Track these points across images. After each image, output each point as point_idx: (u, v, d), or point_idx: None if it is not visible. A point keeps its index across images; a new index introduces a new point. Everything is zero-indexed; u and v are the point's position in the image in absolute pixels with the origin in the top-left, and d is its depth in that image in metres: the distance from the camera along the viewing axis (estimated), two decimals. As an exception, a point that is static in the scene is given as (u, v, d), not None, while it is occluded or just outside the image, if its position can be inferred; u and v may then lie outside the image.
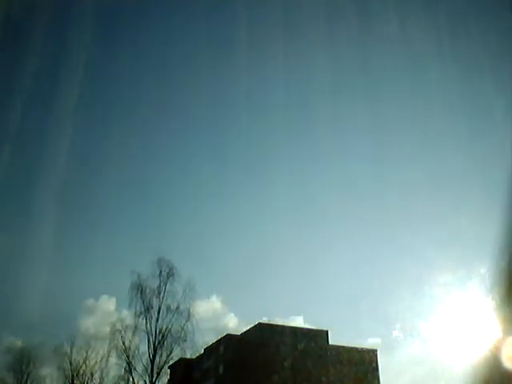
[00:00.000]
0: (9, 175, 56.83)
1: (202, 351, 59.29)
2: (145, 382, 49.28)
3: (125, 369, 49.77)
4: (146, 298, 50.98)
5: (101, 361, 54.85)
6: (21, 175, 62.37)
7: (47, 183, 59.54)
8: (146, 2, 61.32)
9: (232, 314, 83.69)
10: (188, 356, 54.34)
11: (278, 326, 59.38)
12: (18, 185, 63.39)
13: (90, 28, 59.58)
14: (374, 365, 57.16)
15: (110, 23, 67.03)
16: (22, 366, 56.61)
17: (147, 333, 50.03)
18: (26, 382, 56.62)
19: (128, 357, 49.58)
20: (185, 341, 50.11)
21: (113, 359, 51.30)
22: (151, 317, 50.53)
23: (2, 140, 43.70)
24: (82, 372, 55.59)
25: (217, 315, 77.88)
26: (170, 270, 51.72)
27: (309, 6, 53.25)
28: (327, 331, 60.29)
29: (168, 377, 56.46)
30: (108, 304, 68.49)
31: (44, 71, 58.19)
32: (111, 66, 69.17)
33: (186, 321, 50.39)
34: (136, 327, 50.42)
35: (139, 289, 50.77)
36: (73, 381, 55.00)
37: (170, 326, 50.60)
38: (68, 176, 68.76)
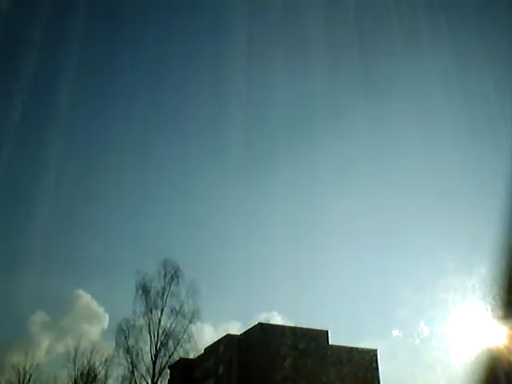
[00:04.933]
0: (9, 175, 57.11)
1: (202, 351, 59.37)
2: (147, 382, 49.30)
3: (128, 369, 49.79)
4: (151, 298, 50.99)
5: (105, 361, 54.87)
6: (21, 175, 62.68)
7: (48, 183, 59.81)
8: (146, 2, 61.55)
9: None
10: (190, 357, 54.38)
11: (278, 325, 59.48)
12: (18, 184, 63.67)
13: (90, 26, 59.98)
14: (374, 365, 57.28)
15: (110, 22, 67.38)
16: (26, 367, 56.72)
17: (150, 333, 50.05)
18: (29, 381, 56.69)
19: (131, 357, 49.59)
20: (188, 342, 50.09)
21: (116, 359, 51.29)
22: (154, 317, 50.56)
23: (2, 140, 43.81)
24: (85, 372, 55.60)
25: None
26: (175, 271, 51.72)
27: (309, 7, 53.57)
28: (327, 331, 60.42)
29: (168, 377, 56.50)
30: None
31: (43, 71, 58.54)
32: (111, 65, 69.55)
33: (189, 322, 50.41)
34: (140, 327, 50.43)
35: (144, 289, 50.81)
36: (76, 381, 55.03)
37: (173, 327, 50.61)
38: (69, 177, 69.04)
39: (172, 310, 51.05)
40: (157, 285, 51.33)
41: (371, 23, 56.01)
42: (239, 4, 54.44)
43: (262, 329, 59.01)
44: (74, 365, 55.19)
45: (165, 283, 51.26)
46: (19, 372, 55.97)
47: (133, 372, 49.16)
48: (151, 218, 78.67)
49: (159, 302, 51.02)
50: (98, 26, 64.76)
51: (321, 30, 55.34)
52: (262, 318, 59.21)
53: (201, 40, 69.21)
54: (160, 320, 50.42)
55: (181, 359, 53.59)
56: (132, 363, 49.32)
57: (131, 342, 49.69)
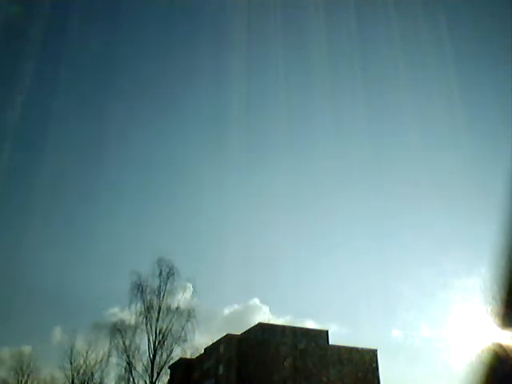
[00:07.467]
0: (9, 175, 57.06)
1: (202, 351, 59.23)
2: (145, 381, 49.23)
3: (125, 369, 49.73)
4: (147, 297, 50.88)
5: (101, 361, 54.81)
6: (21, 175, 62.59)
7: (47, 184, 59.70)
8: (145, 2, 61.49)
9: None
10: (188, 356, 54.27)
11: (278, 325, 59.32)
12: (18, 184, 63.59)
13: (90, 26, 59.82)
14: (374, 365, 57.11)
15: (111, 22, 67.24)
16: (23, 367, 56.65)
17: (147, 333, 49.97)
18: (27, 382, 56.63)
19: (128, 357, 49.54)
20: (185, 341, 50.02)
21: (113, 359, 51.28)
22: (151, 317, 50.44)
23: (2, 140, 43.69)
24: (82, 372, 55.53)
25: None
26: (170, 269, 51.61)
27: (308, 5, 53.46)
28: (327, 331, 60.28)
29: (168, 377, 56.39)
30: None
31: (43, 69, 58.45)
32: (111, 65, 69.36)
33: (187, 321, 50.31)
34: (136, 327, 50.36)
35: (139, 289, 50.69)
36: (73, 380, 54.94)
37: (170, 326, 50.51)
38: (68, 175, 68.96)
39: (168, 309, 51.04)
40: (152, 284, 51.36)
41: (371, 21, 55.72)
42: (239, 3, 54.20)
43: (262, 329, 58.86)
44: (70, 363, 55.24)
45: (160, 282, 51.24)
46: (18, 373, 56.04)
47: (130, 372, 49.15)
48: (151, 217, 78.46)
49: (155, 301, 51.02)
50: (98, 24, 64.58)
51: (321, 30, 55.08)
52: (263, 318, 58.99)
53: (202, 38, 69.08)
54: (158, 319, 50.40)
55: (181, 359, 53.52)
56: (129, 363, 49.29)
57: (127, 342, 49.72)
